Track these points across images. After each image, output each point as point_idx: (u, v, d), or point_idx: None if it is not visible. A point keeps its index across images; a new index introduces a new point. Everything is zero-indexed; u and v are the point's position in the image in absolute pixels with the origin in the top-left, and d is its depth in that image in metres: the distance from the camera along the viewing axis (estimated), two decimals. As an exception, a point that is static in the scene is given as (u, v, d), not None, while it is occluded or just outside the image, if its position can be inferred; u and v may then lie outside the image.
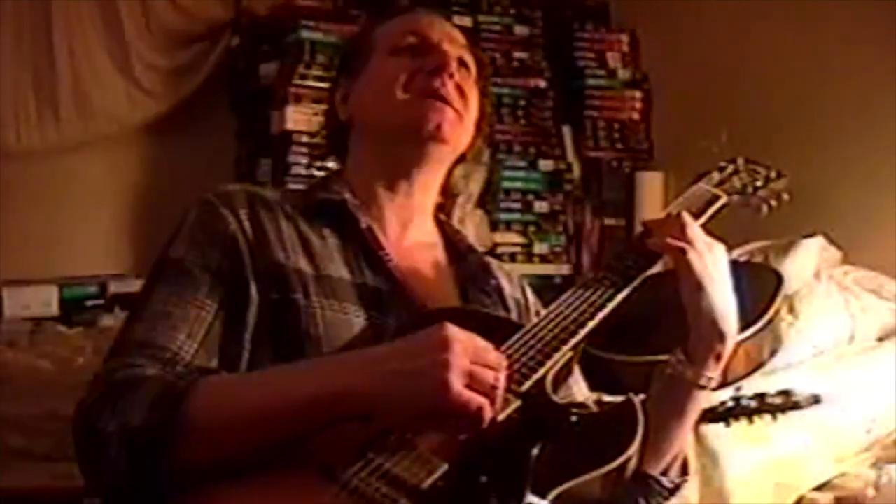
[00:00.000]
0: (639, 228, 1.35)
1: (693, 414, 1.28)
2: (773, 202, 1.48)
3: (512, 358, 1.15)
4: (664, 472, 1.29)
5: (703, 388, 1.25)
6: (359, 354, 1.16)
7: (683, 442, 1.31)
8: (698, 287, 1.23)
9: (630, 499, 1.23)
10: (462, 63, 1.40)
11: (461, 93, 1.38)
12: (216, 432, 1.10)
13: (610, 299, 1.23)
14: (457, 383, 1.05)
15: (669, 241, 1.25)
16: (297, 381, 1.12)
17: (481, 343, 1.10)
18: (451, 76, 1.37)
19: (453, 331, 1.08)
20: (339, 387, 1.09)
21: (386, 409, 1.09)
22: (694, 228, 1.26)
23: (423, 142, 1.36)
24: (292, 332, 1.23)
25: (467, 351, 1.07)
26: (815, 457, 2.46)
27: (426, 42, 1.39)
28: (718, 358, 1.24)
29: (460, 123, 1.38)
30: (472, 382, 1.06)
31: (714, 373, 1.25)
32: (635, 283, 1.26)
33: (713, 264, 1.25)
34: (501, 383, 1.08)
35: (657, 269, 1.28)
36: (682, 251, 1.24)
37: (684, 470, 1.33)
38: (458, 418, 1.07)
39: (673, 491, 1.30)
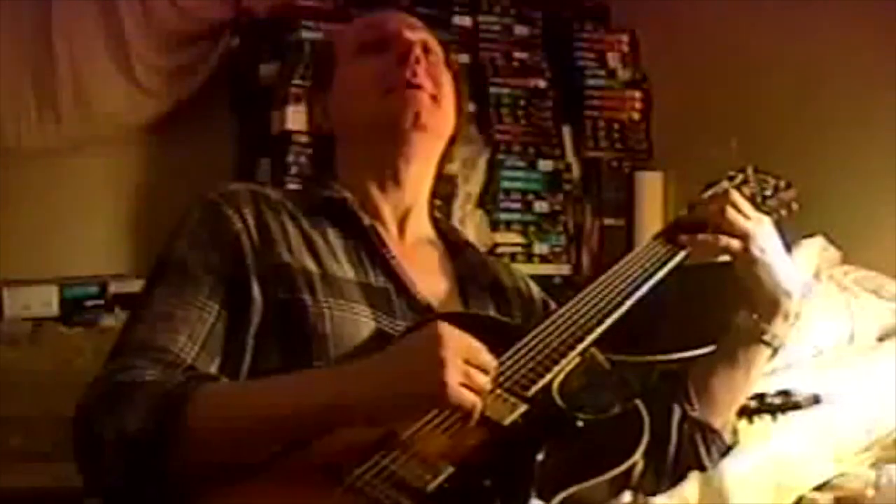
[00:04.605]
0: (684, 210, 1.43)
1: (756, 369, 1.35)
2: (784, 212, 1.50)
3: (519, 362, 1.15)
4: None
5: (768, 344, 1.33)
6: (356, 363, 1.16)
7: (743, 396, 1.39)
8: (752, 260, 1.32)
9: (691, 444, 1.32)
10: (426, 49, 1.40)
11: (432, 76, 1.38)
12: (214, 441, 1.10)
13: (618, 305, 1.24)
14: (454, 380, 1.06)
15: (703, 236, 1.33)
16: (298, 392, 1.12)
17: (475, 343, 1.11)
18: (418, 61, 1.37)
19: (446, 329, 1.09)
20: (339, 397, 1.09)
21: (388, 413, 1.09)
22: (735, 208, 1.33)
23: (405, 133, 1.36)
24: (300, 333, 1.23)
25: (461, 349, 1.08)
26: (815, 457, 2.45)
27: (386, 34, 1.40)
28: (786, 316, 1.33)
29: (437, 107, 1.38)
30: (467, 380, 1.07)
31: (781, 331, 1.33)
32: (644, 289, 1.27)
33: (762, 236, 1.34)
34: (489, 384, 1.10)
35: (665, 271, 1.29)
36: (728, 231, 1.32)
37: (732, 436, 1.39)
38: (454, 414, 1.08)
39: (726, 452, 1.37)
